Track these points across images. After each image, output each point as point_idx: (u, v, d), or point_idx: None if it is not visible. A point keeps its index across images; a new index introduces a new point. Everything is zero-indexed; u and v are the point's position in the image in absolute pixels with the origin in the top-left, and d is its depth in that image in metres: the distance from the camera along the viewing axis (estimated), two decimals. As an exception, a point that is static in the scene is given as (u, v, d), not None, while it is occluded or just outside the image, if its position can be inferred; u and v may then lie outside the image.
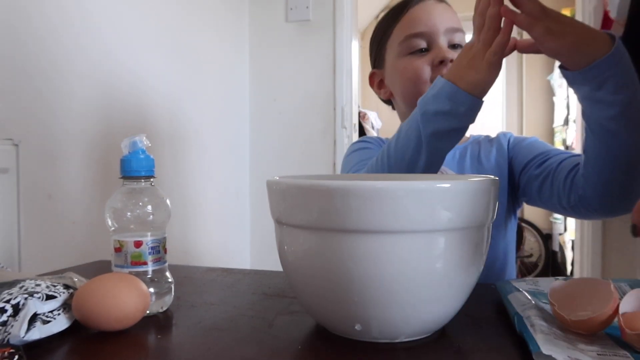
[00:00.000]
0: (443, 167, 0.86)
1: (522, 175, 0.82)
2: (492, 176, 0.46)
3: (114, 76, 1.12)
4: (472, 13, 0.64)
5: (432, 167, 0.67)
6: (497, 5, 0.60)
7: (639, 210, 0.44)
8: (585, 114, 0.62)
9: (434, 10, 0.85)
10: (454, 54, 0.82)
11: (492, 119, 3.80)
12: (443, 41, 0.83)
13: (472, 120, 0.65)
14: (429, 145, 0.65)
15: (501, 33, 0.61)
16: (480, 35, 0.62)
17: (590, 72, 0.58)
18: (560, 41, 0.58)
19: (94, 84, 1.06)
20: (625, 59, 0.58)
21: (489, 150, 0.88)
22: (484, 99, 0.64)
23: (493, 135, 0.96)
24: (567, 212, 0.73)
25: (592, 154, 0.64)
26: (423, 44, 0.84)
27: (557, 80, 3.42)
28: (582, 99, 0.62)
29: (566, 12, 3.26)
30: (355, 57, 1.91)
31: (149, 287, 0.52)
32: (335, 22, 1.81)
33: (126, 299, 0.47)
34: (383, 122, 3.24)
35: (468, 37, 0.85)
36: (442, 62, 0.81)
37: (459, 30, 0.84)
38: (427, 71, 0.83)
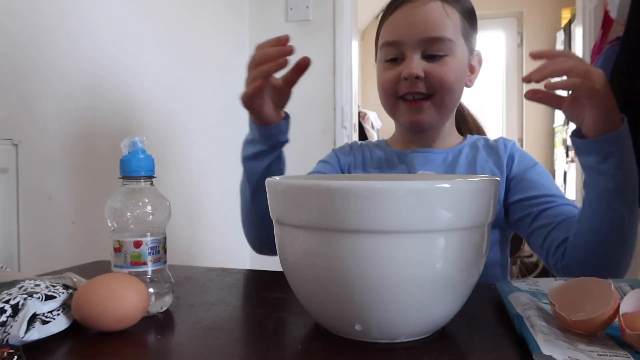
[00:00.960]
0: (423, 172, 0.84)
1: (517, 206, 0.80)
2: (492, 176, 0.46)
3: (113, 76, 1.12)
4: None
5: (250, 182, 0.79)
6: (262, 49, 0.69)
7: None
8: (586, 184, 0.66)
9: (413, 16, 0.79)
10: (425, 66, 0.79)
11: (492, 119, 3.80)
12: (415, 53, 0.79)
13: (274, 140, 0.76)
14: (245, 167, 0.80)
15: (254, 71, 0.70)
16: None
17: (601, 143, 0.62)
18: (599, 108, 0.61)
19: (94, 84, 1.06)
20: (629, 139, 0.63)
21: (485, 160, 0.85)
22: (280, 122, 0.75)
23: (490, 135, 0.94)
24: (547, 265, 0.76)
25: (584, 225, 0.67)
26: (395, 54, 0.81)
27: (558, 80, 3.42)
28: (586, 169, 0.66)
29: (566, 12, 3.26)
30: (355, 57, 1.90)
31: (148, 287, 0.52)
32: (335, 22, 1.81)
33: (126, 299, 0.47)
34: (383, 122, 3.24)
35: (463, 41, 0.81)
36: (407, 79, 0.79)
37: (439, 39, 0.78)
38: (394, 84, 0.81)
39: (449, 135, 0.89)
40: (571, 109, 0.64)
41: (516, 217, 0.80)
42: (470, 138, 0.91)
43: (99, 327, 0.47)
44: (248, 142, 0.79)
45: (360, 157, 0.92)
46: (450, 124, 0.89)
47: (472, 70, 0.86)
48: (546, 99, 0.64)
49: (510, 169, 0.83)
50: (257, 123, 0.75)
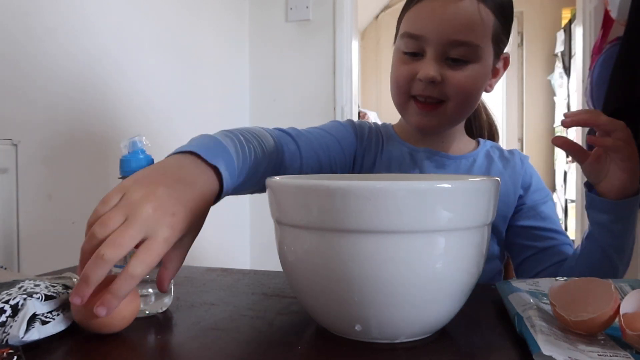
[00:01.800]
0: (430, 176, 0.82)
1: (523, 232, 0.80)
2: (492, 177, 0.46)
3: (113, 76, 1.12)
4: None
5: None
6: None
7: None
8: (590, 237, 0.69)
9: (443, 11, 0.72)
10: (444, 70, 0.73)
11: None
12: (437, 53, 0.72)
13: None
14: None
15: None
16: None
17: (620, 205, 0.65)
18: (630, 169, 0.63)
19: (94, 84, 1.06)
20: (637, 207, 0.66)
21: (501, 172, 0.82)
22: None
23: (500, 143, 0.91)
24: None
25: (577, 272, 0.71)
26: (416, 48, 0.74)
27: (558, 80, 3.42)
28: (595, 224, 0.68)
29: (566, 12, 3.26)
30: (355, 57, 1.90)
31: (148, 288, 0.52)
32: (335, 22, 1.81)
33: (126, 300, 0.47)
34: (383, 122, 3.24)
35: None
36: (422, 80, 0.73)
37: (465, 43, 0.71)
38: (408, 81, 0.75)
39: (460, 138, 0.86)
40: (594, 166, 0.65)
41: (516, 242, 0.81)
42: (483, 145, 0.87)
43: (99, 328, 0.47)
44: None
45: (373, 155, 0.85)
46: (460, 126, 0.85)
47: (496, 73, 0.81)
48: (572, 150, 0.66)
49: (526, 195, 0.82)
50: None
